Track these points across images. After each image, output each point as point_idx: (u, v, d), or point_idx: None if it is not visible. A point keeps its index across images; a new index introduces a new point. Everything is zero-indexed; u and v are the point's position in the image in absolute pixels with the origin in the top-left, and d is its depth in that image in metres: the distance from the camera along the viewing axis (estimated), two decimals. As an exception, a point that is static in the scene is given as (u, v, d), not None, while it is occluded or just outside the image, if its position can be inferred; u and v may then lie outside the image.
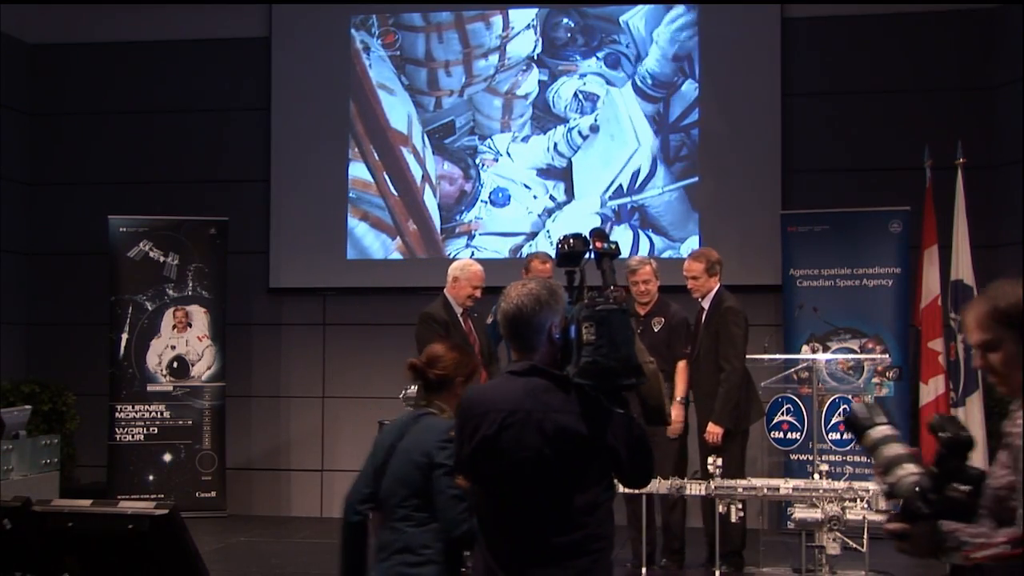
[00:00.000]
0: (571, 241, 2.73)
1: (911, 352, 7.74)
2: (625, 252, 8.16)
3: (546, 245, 8.17)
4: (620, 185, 8.52)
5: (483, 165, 8.75)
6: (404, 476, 3.19)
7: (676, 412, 6.29)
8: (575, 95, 8.63)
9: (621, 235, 8.39)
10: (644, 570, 6.21)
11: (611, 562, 2.71)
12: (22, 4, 8.97)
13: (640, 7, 8.59)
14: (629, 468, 2.69)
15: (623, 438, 2.61)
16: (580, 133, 8.60)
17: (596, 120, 8.59)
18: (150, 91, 9.25)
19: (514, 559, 2.65)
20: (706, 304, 6.43)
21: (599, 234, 2.81)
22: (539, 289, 2.72)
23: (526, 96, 8.72)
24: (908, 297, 7.72)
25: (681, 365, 6.43)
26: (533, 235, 8.58)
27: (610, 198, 8.53)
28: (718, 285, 6.41)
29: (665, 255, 8.21)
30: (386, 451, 3.27)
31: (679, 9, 8.55)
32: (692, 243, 8.33)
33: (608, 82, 8.57)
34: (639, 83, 8.55)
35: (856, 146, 8.37)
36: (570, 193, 8.60)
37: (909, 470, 2.26)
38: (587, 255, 2.74)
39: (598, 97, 8.60)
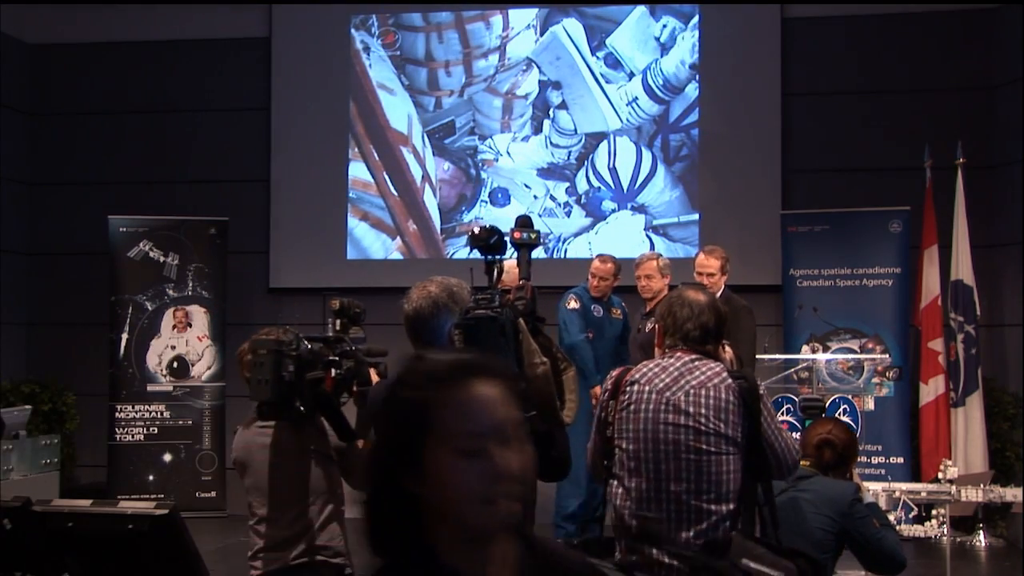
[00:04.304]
0: (483, 231, 2.70)
1: (911, 352, 7.74)
2: (627, 252, 8.18)
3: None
4: (620, 179, 8.55)
5: (483, 165, 8.75)
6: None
7: None
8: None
9: (628, 221, 8.41)
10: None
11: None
12: (22, 4, 8.97)
13: (624, 25, 8.58)
14: None
15: None
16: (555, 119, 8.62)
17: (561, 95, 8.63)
18: (150, 91, 9.24)
19: None
20: None
21: (522, 222, 2.78)
22: (437, 291, 2.73)
23: (526, 96, 8.72)
24: (908, 297, 7.72)
25: None
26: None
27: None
28: (724, 285, 6.42)
29: (665, 255, 8.19)
30: None
31: (677, 9, 8.56)
32: (692, 243, 8.32)
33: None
34: (650, 81, 8.55)
35: (856, 146, 8.37)
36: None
37: None
38: (506, 245, 2.71)
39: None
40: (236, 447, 3.33)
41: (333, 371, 3.07)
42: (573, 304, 6.67)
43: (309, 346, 3.04)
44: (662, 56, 8.54)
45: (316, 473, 3.22)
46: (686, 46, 8.53)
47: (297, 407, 3.01)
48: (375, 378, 3.21)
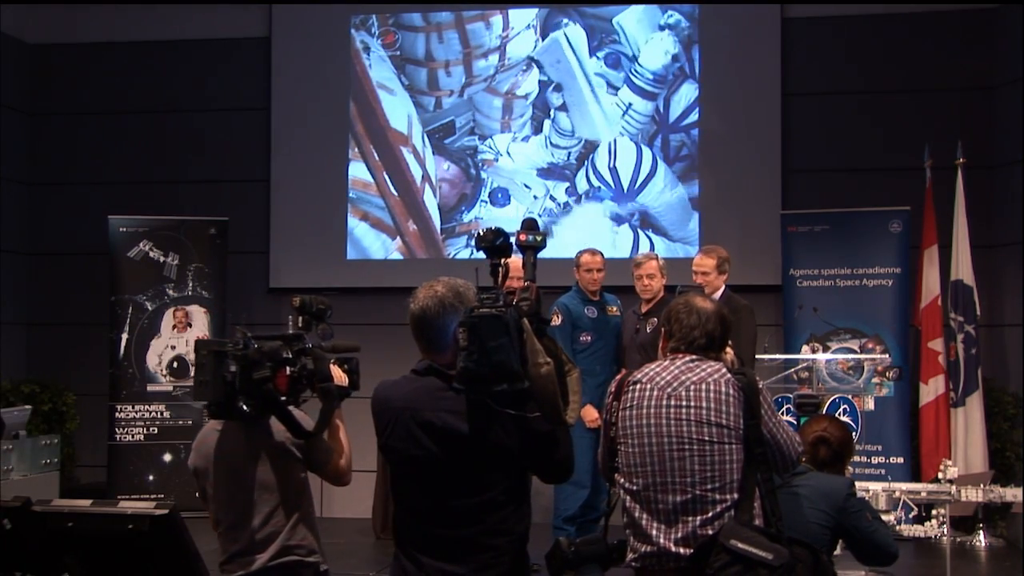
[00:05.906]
0: (489, 232, 2.70)
1: (911, 352, 7.74)
2: (625, 252, 8.19)
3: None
4: (620, 181, 8.55)
5: (483, 165, 8.75)
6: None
7: None
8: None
9: (624, 233, 8.42)
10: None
11: (524, 554, 2.73)
12: (22, 4, 8.98)
13: (634, 7, 8.59)
14: (530, 465, 2.71)
15: (516, 437, 2.61)
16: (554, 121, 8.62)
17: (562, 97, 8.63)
18: (150, 91, 9.25)
19: (414, 548, 2.72)
20: None
21: (528, 225, 2.79)
22: (444, 291, 2.72)
23: (526, 96, 8.72)
24: (908, 297, 7.72)
25: None
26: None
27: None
28: (724, 285, 6.40)
29: (665, 255, 8.20)
30: None
31: (678, 8, 8.55)
32: (692, 243, 8.32)
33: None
34: (635, 79, 8.55)
35: (856, 146, 8.37)
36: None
37: None
38: (511, 247, 2.70)
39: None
40: (202, 454, 3.28)
41: (288, 369, 3.04)
42: (555, 321, 6.37)
43: (256, 345, 3.00)
44: (640, 53, 8.55)
45: (277, 473, 3.19)
46: (672, 41, 8.52)
47: (240, 407, 2.97)
48: (339, 374, 3.18)
